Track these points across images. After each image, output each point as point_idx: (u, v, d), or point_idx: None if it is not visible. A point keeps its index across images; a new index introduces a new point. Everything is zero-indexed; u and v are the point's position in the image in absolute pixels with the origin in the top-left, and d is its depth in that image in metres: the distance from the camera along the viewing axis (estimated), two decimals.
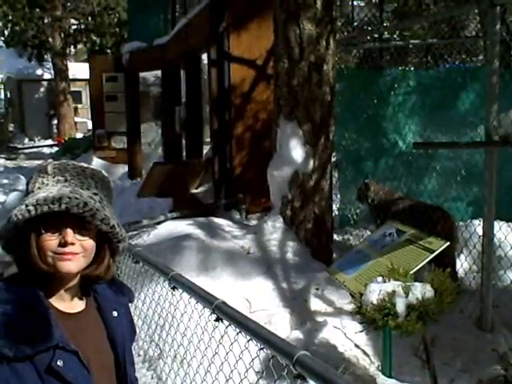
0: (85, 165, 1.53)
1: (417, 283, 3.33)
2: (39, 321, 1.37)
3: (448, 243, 3.74)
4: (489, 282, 4.53)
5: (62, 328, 1.39)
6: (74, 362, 1.39)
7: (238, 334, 2.38)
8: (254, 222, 6.92)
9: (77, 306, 1.51)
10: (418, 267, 3.65)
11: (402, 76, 7.23)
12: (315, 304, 4.60)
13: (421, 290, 3.27)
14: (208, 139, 10.48)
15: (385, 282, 3.40)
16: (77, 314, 1.49)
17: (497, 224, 4.84)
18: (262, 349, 2.20)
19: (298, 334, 4.17)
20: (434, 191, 6.87)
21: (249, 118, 7.44)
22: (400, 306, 3.23)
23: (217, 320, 2.54)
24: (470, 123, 6.66)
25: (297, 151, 5.40)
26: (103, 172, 1.56)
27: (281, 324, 4.30)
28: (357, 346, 4.16)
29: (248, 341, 2.29)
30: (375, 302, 3.25)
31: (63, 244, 1.39)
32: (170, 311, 3.55)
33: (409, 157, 7.02)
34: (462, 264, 5.43)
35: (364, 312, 3.29)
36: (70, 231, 1.40)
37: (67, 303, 1.48)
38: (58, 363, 1.35)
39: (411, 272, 3.56)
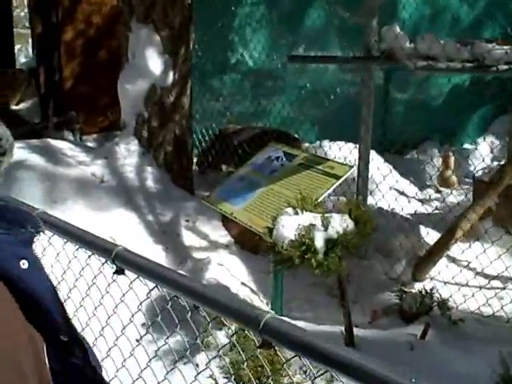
0: None
1: (335, 214, 2.92)
2: None
3: (353, 168, 3.38)
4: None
5: None
6: None
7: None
8: (90, 144, 6.07)
9: None
10: (324, 195, 3.25)
11: None
12: (189, 238, 4.05)
13: (340, 222, 2.88)
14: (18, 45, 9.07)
15: (297, 213, 2.95)
16: None
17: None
18: None
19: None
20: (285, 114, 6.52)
21: (80, 21, 6.34)
22: (319, 241, 2.81)
23: None
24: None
25: (154, 61, 4.64)
26: None
27: None
28: (243, 283, 3.73)
29: None
30: (293, 237, 2.79)
31: None
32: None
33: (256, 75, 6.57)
34: None
35: (279, 250, 2.81)
36: None
37: None
38: None
39: (318, 200, 3.16)
